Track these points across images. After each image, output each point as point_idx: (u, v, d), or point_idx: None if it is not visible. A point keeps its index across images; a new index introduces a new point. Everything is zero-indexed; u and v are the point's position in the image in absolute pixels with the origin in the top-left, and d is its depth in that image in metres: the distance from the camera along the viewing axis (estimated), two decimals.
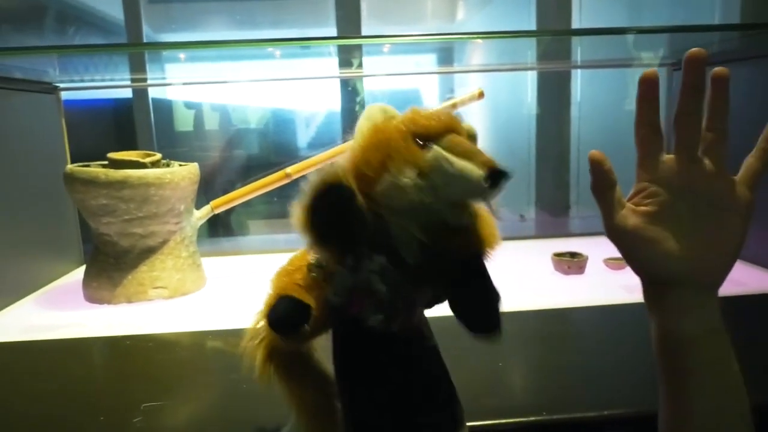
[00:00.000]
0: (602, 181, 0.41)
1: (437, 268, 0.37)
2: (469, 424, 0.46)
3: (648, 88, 0.40)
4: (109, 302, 0.95)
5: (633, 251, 0.41)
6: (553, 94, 2.28)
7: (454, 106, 1.16)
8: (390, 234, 0.36)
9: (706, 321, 0.40)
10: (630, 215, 0.41)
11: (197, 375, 0.71)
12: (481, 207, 0.40)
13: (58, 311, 0.94)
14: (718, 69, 0.39)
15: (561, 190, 2.33)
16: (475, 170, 0.34)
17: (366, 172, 0.36)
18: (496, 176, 0.34)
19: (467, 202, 0.37)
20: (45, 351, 0.79)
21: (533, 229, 2.00)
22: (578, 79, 2.54)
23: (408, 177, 0.34)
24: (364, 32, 2.11)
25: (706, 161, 0.39)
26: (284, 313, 0.39)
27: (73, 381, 0.69)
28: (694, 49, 0.38)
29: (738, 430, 0.40)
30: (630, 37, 1.49)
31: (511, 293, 0.96)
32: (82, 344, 0.80)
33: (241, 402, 0.62)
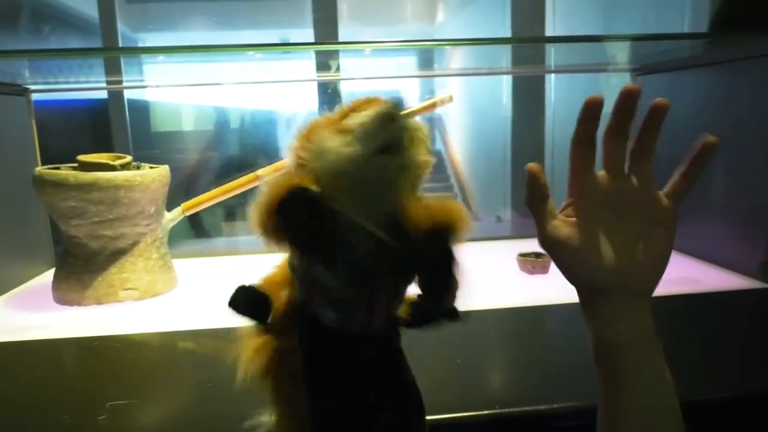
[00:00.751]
0: (537, 194, 0.44)
1: (396, 267, 0.38)
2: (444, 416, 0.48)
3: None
4: (78, 304, 0.96)
5: (564, 261, 0.43)
6: (528, 97, 2.32)
7: (425, 109, 1.19)
8: (345, 233, 0.37)
9: (637, 329, 0.42)
10: (562, 226, 0.43)
11: (164, 374, 0.72)
12: (446, 197, 0.41)
13: (27, 313, 0.95)
14: (659, 100, 0.41)
15: None
16: (371, 112, 0.36)
17: (303, 159, 0.38)
18: (392, 112, 0.35)
19: (390, 149, 0.37)
20: (12, 352, 0.79)
21: (509, 230, 2.03)
22: (552, 83, 2.58)
23: (329, 139, 0.36)
24: (342, 33, 2.13)
25: (634, 176, 0.42)
26: (237, 301, 0.41)
27: (39, 382, 0.70)
28: (631, 86, 0.40)
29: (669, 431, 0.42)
30: (598, 44, 1.53)
31: (476, 292, 0.99)
32: (50, 345, 0.81)
33: (206, 401, 0.63)
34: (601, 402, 0.45)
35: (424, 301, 0.41)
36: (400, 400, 0.43)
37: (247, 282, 0.44)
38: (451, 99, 1.20)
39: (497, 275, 1.09)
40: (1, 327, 0.88)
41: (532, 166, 0.43)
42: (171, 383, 0.69)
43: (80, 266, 0.96)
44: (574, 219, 0.43)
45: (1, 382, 0.70)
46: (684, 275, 1.03)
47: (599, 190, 0.42)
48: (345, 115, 0.39)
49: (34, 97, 1.21)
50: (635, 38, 1.31)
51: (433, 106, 1.19)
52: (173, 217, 1.07)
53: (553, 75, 2.48)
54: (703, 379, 0.63)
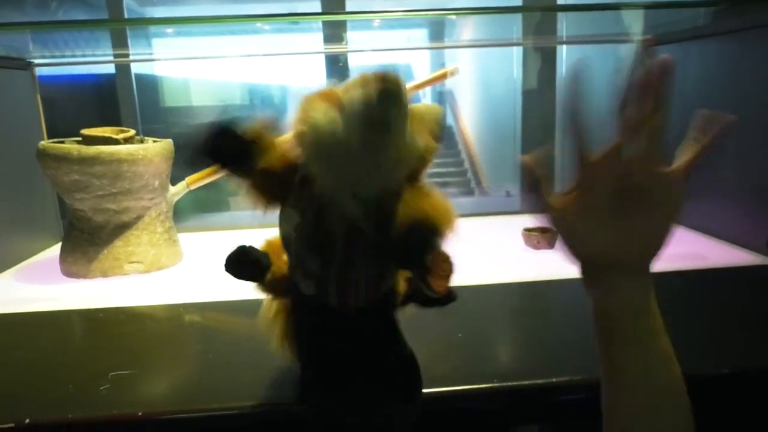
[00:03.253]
0: (534, 182, 0.42)
1: (371, 250, 0.38)
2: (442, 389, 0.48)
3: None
4: (84, 276, 0.97)
5: (568, 239, 0.43)
6: (539, 70, 2.28)
7: (431, 81, 1.17)
8: (319, 205, 0.37)
9: (634, 302, 0.42)
10: (565, 206, 0.42)
11: (166, 346, 0.73)
12: (432, 187, 0.41)
13: (34, 285, 0.96)
14: (665, 57, 0.38)
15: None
16: (367, 87, 0.34)
17: (298, 129, 0.37)
18: (388, 89, 0.34)
19: (377, 127, 0.36)
20: (19, 323, 0.80)
21: (518, 205, 2.02)
22: (563, 55, 2.53)
23: (318, 111, 0.35)
24: (350, 5, 2.09)
25: (643, 153, 0.40)
26: (233, 259, 0.42)
27: (44, 352, 0.71)
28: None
29: (667, 402, 0.42)
30: (609, 14, 1.50)
31: (481, 267, 0.99)
32: (56, 317, 0.82)
33: (206, 371, 0.64)
34: (602, 375, 0.45)
35: (416, 284, 0.41)
36: (388, 371, 0.43)
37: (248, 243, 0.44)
38: (457, 71, 1.18)
39: (503, 250, 1.08)
40: (8, 298, 0.90)
41: (524, 159, 0.42)
42: (172, 354, 0.70)
43: (85, 239, 0.97)
44: (576, 197, 0.42)
45: (6, 352, 0.71)
46: (690, 250, 1.02)
47: (605, 170, 0.41)
48: (347, 90, 0.39)
49: (43, 72, 1.21)
50: (647, 6, 1.28)
51: (440, 78, 1.17)
52: (178, 191, 1.07)
53: (564, 47, 2.43)
54: (707, 355, 0.63)
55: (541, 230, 1.08)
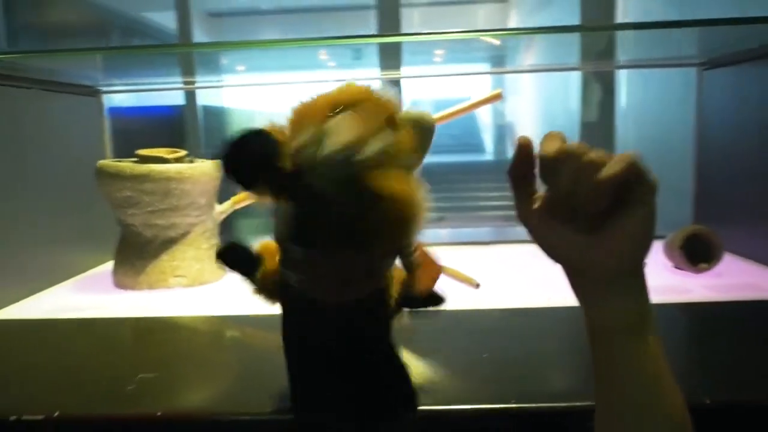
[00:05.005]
0: (522, 168, 0.41)
1: (351, 237, 0.39)
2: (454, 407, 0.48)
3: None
4: (133, 288, 1.02)
5: (539, 238, 0.42)
6: (597, 96, 2.24)
7: (473, 107, 1.17)
8: (313, 197, 0.38)
9: (627, 313, 0.40)
10: (538, 203, 0.41)
11: (195, 354, 0.75)
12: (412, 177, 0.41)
13: (87, 295, 1.01)
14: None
15: None
16: (333, 140, 0.36)
17: (292, 131, 0.38)
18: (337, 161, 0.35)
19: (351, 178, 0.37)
20: (66, 328, 0.85)
21: None
22: (623, 82, 2.48)
23: (304, 137, 0.37)
24: (410, 42, 2.15)
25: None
26: (225, 253, 0.43)
27: (82, 354, 0.75)
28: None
29: (658, 430, 0.39)
30: (665, 37, 1.45)
31: (515, 290, 0.97)
32: (99, 323, 0.86)
33: (229, 380, 0.65)
34: (595, 391, 0.43)
35: (406, 283, 0.41)
36: (374, 375, 0.43)
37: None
38: (500, 96, 1.17)
39: (541, 275, 1.05)
40: (62, 305, 0.96)
41: (523, 138, 0.41)
42: (199, 362, 0.72)
43: (135, 254, 1.02)
44: (549, 197, 0.41)
45: (48, 352, 0.76)
46: (742, 281, 0.95)
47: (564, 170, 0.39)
48: (338, 96, 0.40)
49: (113, 103, 1.31)
50: (707, 23, 1.23)
51: (481, 103, 1.17)
52: (224, 209, 1.11)
53: (624, 72, 2.38)
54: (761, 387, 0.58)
55: None
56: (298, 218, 0.38)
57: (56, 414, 0.57)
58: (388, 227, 0.36)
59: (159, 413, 0.57)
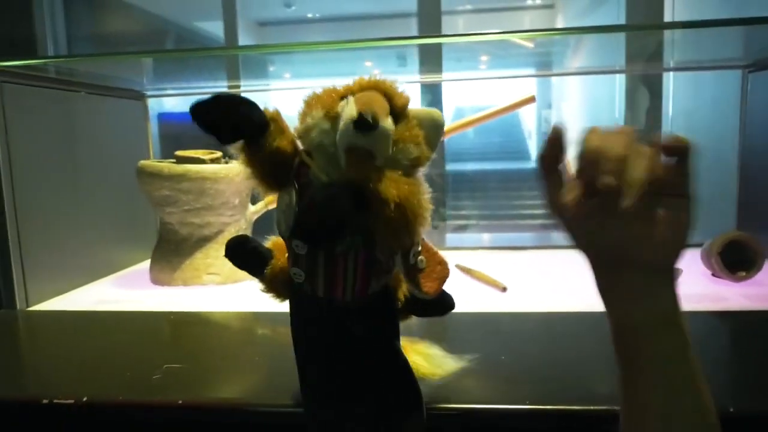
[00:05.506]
0: (553, 156, 0.40)
1: (355, 232, 0.39)
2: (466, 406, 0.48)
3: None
4: (168, 284, 1.05)
5: (572, 230, 0.41)
6: (642, 101, 2.19)
7: (506, 110, 1.17)
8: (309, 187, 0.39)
9: (657, 312, 0.38)
10: (570, 194, 0.39)
11: (221, 347, 0.77)
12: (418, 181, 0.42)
13: (126, 290, 1.06)
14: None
15: None
16: (350, 113, 0.36)
17: (301, 117, 0.40)
18: (362, 122, 0.35)
19: (356, 151, 0.38)
20: (104, 319, 0.89)
21: None
22: (670, 87, 2.41)
23: (315, 117, 0.38)
24: (452, 48, 2.16)
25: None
26: (233, 249, 0.44)
27: (115, 344, 0.78)
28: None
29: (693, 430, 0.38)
30: (712, 38, 1.41)
31: (545, 296, 0.95)
32: (133, 316, 0.90)
33: (249, 371, 0.67)
34: (620, 395, 0.41)
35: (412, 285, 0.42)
36: (377, 371, 0.43)
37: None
38: (533, 99, 1.16)
39: (569, 280, 1.03)
40: (101, 299, 1.00)
41: (557, 126, 0.40)
42: (224, 354, 0.74)
43: (171, 250, 1.06)
44: (582, 188, 0.39)
45: (82, 341, 0.80)
46: None
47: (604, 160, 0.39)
48: (351, 85, 0.41)
49: (163, 108, 1.36)
50: (753, 21, 1.18)
51: (515, 107, 1.16)
52: (257, 209, 1.14)
53: (671, 75, 2.31)
54: None
55: None
56: (299, 212, 0.39)
57: (84, 399, 0.60)
58: (390, 228, 0.37)
59: (180, 401, 0.59)
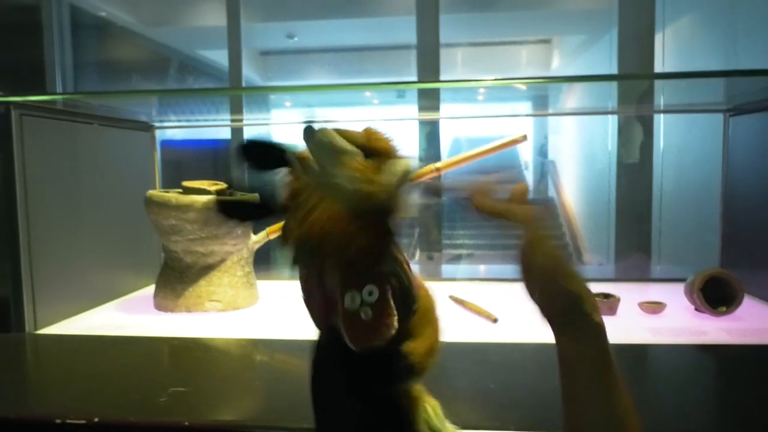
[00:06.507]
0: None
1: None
2: None
3: None
4: (171, 310, 1.09)
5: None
6: (634, 140, 2.26)
7: (497, 148, 1.22)
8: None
9: (563, 353, 0.44)
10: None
11: (223, 372, 0.81)
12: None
13: (130, 315, 1.09)
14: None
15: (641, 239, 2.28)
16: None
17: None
18: (307, 128, 0.42)
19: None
20: (109, 343, 0.93)
21: (609, 274, 1.98)
22: (660, 126, 2.48)
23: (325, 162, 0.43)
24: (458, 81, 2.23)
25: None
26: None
27: (122, 367, 0.82)
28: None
29: None
30: (698, 84, 1.48)
31: (536, 326, 0.99)
32: (138, 341, 0.93)
33: (250, 395, 0.71)
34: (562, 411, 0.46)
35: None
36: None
37: None
38: (525, 138, 1.22)
39: None
40: (106, 324, 1.03)
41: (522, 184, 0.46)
42: (226, 378, 0.78)
43: (176, 278, 1.10)
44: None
45: (92, 364, 0.83)
46: (763, 325, 0.95)
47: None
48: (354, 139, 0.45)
49: (164, 136, 1.41)
50: (734, 74, 1.26)
51: (507, 145, 1.22)
52: (259, 239, 1.19)
53: (662, 117, 2.39)
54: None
55: (604, 296, 1.06)
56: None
57: (96, 419, 0.63)
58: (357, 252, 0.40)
59: (187, 423, 0.62)
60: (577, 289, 0.42)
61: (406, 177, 0.43)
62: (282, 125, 1.86)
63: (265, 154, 0.46)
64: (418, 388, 0.50)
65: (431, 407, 0.50)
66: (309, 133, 0.42)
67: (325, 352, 0.48)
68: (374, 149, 0.44)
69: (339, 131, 0.43)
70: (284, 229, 0.44)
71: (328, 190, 0.42)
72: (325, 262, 0.44)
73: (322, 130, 0.42)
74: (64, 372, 0.82)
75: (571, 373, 0.44)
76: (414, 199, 0.46)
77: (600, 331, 0.42)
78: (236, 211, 0.48)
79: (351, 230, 0.41)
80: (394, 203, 0.43)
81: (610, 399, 0.43)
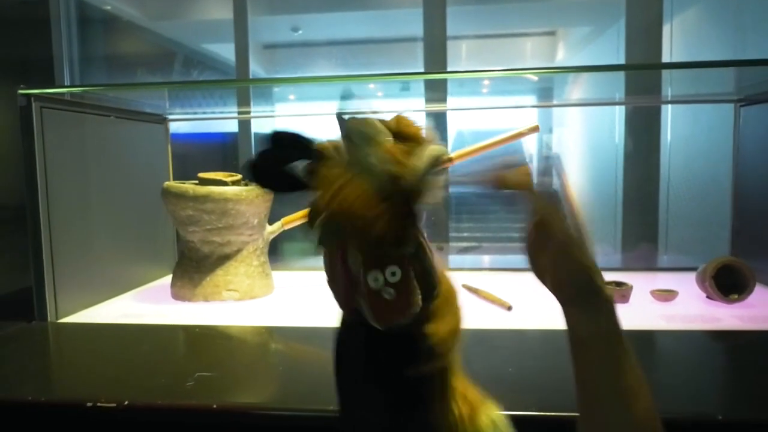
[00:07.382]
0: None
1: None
2: None
3: None
4: (189, 300, 1.11)
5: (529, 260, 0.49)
6: (641, 131, 2.26)
7: (509, 139, 1.23)
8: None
9: (585, 330, 0.45)
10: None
11: (246, 358, 0.83)
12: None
13: (148, 304, 1.11)
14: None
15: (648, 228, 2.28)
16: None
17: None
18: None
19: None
20: (130, 332, 0.95)
21: (620, 263, 2.01)
22: (668, 117, 2.48)
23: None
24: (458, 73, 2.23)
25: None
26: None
27: (147, 354, 0.83)
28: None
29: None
30: (702, 75, 1.49)
31: (548, 313, 1.00)
32: (161, 329, 0.95)
33: (274, 379, 0.72)
34: (576, 399, 0.47)
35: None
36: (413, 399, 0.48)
37: None
38: (537, 129, 1.23)
39: None
40: (126, 313, 1.05)
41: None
42: (249, 364, 0.80)
43: (193, 267, 1.12)
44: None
45: (117, 352, 0.85)
46: None
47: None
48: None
49: (177, 129, 1.43)
50: (743, 63, 1.26)
51: (519, 135, 1.23)
52: (274, 230, 1.20)
53: (670, 107, 2.39)
54: None
55: (617, 284, 1.08)
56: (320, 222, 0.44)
57: (126, 402, 0.65)
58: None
59: (215, 405, 0.64)
60: (590, 263, 0.43)
61: (436, 162, 0.44)
62: (290, 120, 1.89)
63: (292, 146, 0.47)
64: (476, 396, 0.51)
65: (492, 419, 0.51)
66: (341, 119, 0.43)
67: (349, 334, 0.49)
68: (405, 134, 0.45)
69: (370, 119, 0.44)
70: (311, 209, 0.45)
71: (358, 168, 0.42)
72: (350, 242, 0.44)
73: (354, 117, 0.43)
74: (90, 358, 0.84)
75: (584, 349, 0.45)
76: (441, 185, 0.46)
77: (610, 304, 0.43)
78: (269, 180, 0.48)
79: (377, 210, 0.41)
80: (421, 187, 0.44)
81: (623, 372, 0.43)
